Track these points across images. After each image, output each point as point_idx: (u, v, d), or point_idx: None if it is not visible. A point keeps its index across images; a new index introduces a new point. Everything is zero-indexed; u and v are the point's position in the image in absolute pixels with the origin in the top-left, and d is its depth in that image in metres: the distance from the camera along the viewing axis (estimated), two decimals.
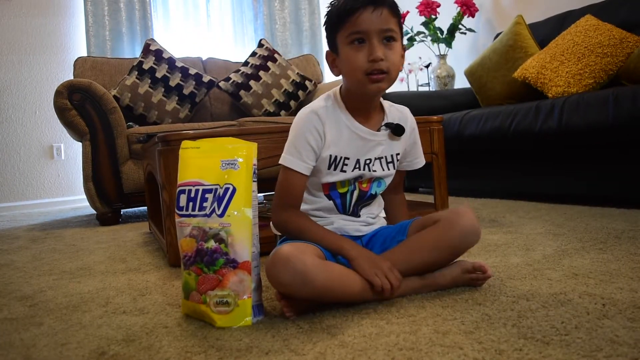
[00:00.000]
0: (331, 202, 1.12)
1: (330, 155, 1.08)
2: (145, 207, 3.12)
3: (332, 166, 1.09)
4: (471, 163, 2.70)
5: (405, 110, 1.18)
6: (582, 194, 2.16)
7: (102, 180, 2.61)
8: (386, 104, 1.16)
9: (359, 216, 1.15)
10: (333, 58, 1.08)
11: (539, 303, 0.92)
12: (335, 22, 1.03)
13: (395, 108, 1.17)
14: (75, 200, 4.14)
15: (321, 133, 1.06)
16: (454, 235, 1.03)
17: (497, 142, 2.41)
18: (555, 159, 2.22)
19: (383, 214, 1.23)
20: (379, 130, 1.11)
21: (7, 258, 1.82)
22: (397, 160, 1.15)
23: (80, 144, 2.88)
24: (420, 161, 1.23)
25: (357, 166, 1.10)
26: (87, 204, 3.69)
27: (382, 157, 1.12)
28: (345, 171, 1.09)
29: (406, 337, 0.81)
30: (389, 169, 1.14)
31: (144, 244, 1.93)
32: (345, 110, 1.09)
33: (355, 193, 1.13)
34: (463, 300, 0.97)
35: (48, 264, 1.66)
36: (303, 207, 1.12)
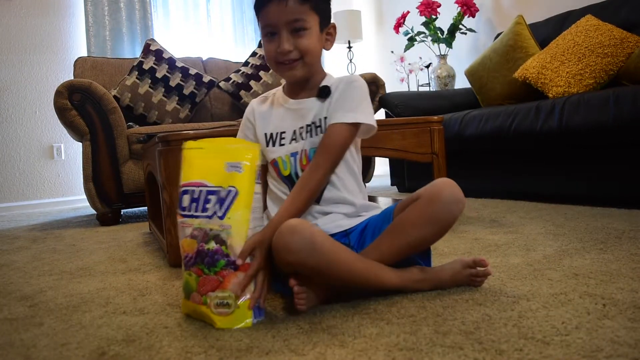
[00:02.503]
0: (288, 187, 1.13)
1: (266, 134, 1.16)
2: (146, 207, 3.12)
3: (270, 142, 1.15)
4: (471, 163, 2.70)
5: (347, 77, 1.14)
6: (583, 194, 2.16)
7: (102, 180, 2.61)
8: (334, 78, 1.15)
9: (319, 203, 1.11)
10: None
11: (540, 303, 0.92)
12: (255, 9, 1.10)
13: (339, 78, 1.15)
14: (76, 200, 4.14)
15: (251, 120, 1.19)
16: (437, 208, 1.00)
17: (497, 142, 2.41)
18: (556, 159, 2.22)
19: (375, 205, 1.17)
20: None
21: (7, 258, 1.82)
22: (325, 124, 1.11)
23: (80, 144, 2.88)
24: (336, 117, 1.08)
25: (294, 137, 1.12)
26: (87, 204, 3.69)
27: (312, 123, 1.12)
28: (283, 144, 1.13)
29: (406, 337, 0.81)
30: (317, 134, 1.11)
31: (144, 244, 1.93)
32: (282, 93, 1.18)
33: (299, 171, 1.11)
34: (463, 300, 0.97)
35: (48, 264, 1.66)
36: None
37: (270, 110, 1.18)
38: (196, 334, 0.90)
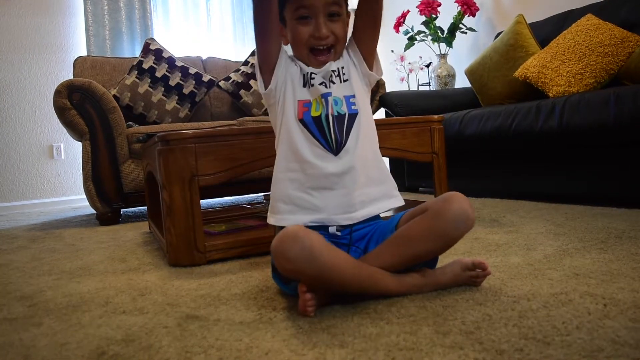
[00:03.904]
0: (306, 133, 1.09)
1: (304, 74, 1.11)
2: (145, 207, 3.12)
3: (308, 83, 1.10)
4: (472, 163, 2.70)
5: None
6: (583, 194, 2.15)
7: (101, 179, 2.61)
8: None
9: (343, 145, 1.08)
10: (281, 27, 1.11)
11: (540, 303, 0.92)
12: None
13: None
14: (75, 200, 4.13)
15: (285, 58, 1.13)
16: (444, 224, 0.98)
17: (497, 142, 2.41)
18: (556, 158, 2.22)
19: (389, 206, 1.15)
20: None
21: (6, 258, 1.82)
22: (348, 72, 1.13)
23: (80, 143, 2.87)
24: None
25: (324, 81, 1.10)
26: (87, 203, 3.70)
27: (338, 69, 1.12)
28: (313, 85, 1.10)
29: (406, 337, 0.80)
30: (342, 81, 1.12)
31: (144, 244, 1.92)
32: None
33: (330, 114, 1.09)
34: (464, 300, 0.97)
35: (48, 263, 1.66)
36: (285, 175, 1.10)
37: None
38: (196, 334, 0.89)
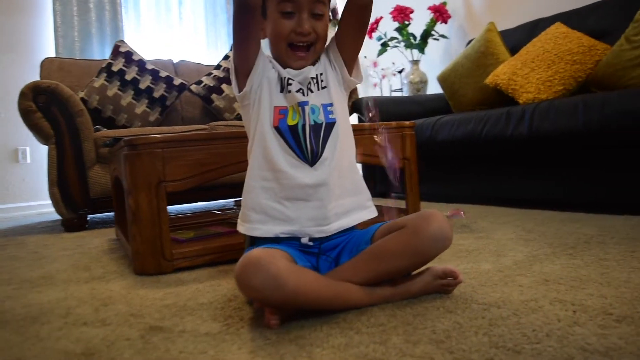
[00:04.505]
0: (281, 142, 1.05)
1: (282, 77, 1.07)
2: (113, 213, 3.05)
3: (285, 88, 1.07)
4: (443, 168, 2.71)
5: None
6: (553, 199, 2.18)
7: (67, 184, 2.54)
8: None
9: (319, 156, 1.05)
10: (260, 20, 1.07)
11: (510, 310, 0.91)
12: None
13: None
14: (41, 205, 4.02)
15: (264, 59, 1.09)
16: (421, 242, 0.97)
17: (469, 148, 2.42)
18: (526, 164, 2.24)
19: (363, 218, 1.13)
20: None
21: None
22: (326, 78, 1.10)
23: (46, 147, 2.80)
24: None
25: (301, 89, 1.07)
26: (53, 209, 3.59)
27: (316, 75, 1.09)
28: (290, 91, 1.06)
29: (376, 347, 0.79)
30: (319, 89, 1.09)
31: (110, 251, 1.87)
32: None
33: (307, 123, 1.06)
34: (434, 308, 0.96)
35: (7, 272, 1.60)
36: (255, 183, 1.07)
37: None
38: (159, 346, 0.86)
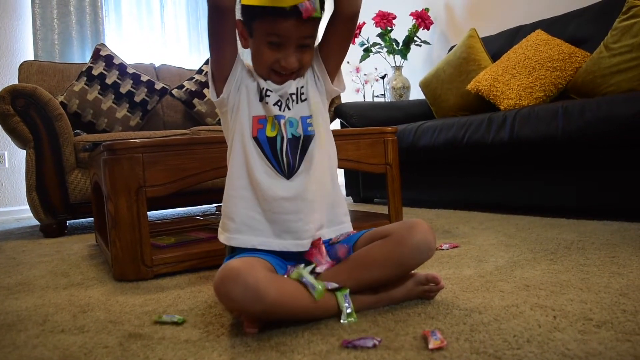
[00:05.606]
0: (259, 153, 1.04)
1: (262, 88, 1.06)
2: (93, 218, 3.01)
3: (264, 98, 1.06)
4: (425, 174, 2.72)
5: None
6: (534, 205, 2.20)
7: (46, 189, 2.50)
8: None
9: (295, 169, 1.05)
10: (244, 32, 1.07)
11: (491, 316, 0.91)
12: (258, 11, 1.00)
13: None
14: (20, 210, 3.96)
15: (243, 70, 1.08)
16: (406, 252, 0.97)
17: (450, 153, 2.43)
18: (507, 170, 2.26)
19: (338, 232, 1.11)
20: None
21: None
22: (306, 92, 1.09)
23: (24, 151, 2.75)
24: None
25: (279, 102, 1.06)
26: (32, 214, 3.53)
27: (296, 90, 1.09)
28: (267, 103, 1.05)
29: (357, 354, 0.78)
30: (299, 102, 1.08)
31: (89, 257, 1.84)
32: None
33: (285, 134, 1.05)
34: (416, 314, 0.96)
35: None
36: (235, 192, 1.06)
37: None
38: (138, 354, 0.85)
